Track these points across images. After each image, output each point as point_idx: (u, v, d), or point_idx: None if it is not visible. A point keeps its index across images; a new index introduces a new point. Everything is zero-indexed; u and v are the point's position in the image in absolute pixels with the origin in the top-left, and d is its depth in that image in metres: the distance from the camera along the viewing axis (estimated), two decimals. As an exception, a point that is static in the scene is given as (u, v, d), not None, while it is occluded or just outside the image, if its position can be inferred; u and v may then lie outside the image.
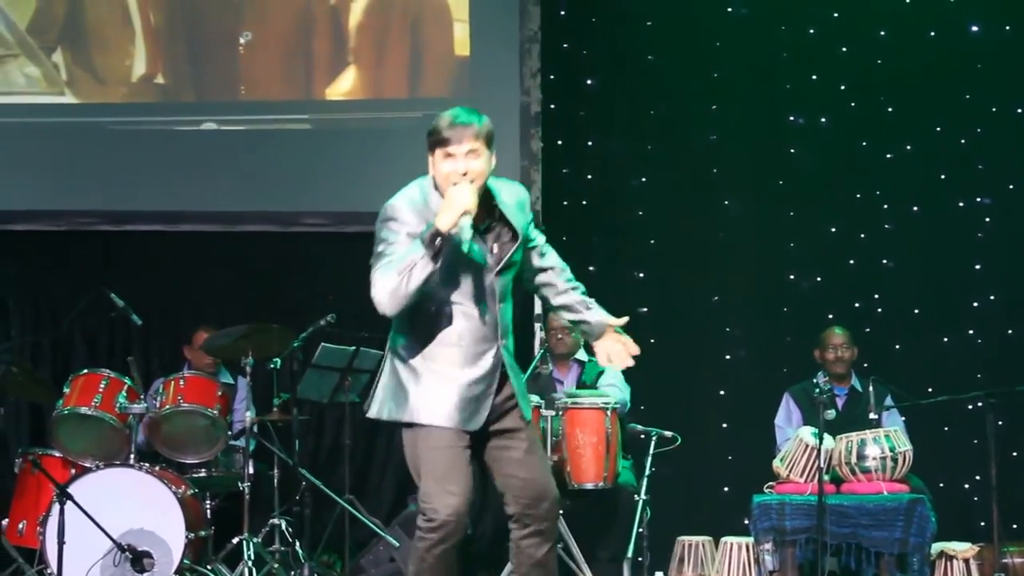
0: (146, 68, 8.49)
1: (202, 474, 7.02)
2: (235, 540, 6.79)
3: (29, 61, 8.45)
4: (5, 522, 6.80)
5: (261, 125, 8.44)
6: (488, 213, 4.57)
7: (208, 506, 6.90)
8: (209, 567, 6.69)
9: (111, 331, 8.12)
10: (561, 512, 6.50)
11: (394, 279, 4.42)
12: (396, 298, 4.44)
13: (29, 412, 8.08)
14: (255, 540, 6.72)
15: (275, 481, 6.94)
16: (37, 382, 7.19)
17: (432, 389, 4.53)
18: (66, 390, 6.89)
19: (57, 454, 6.87)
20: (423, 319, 4.55)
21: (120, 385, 6.87)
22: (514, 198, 4.65)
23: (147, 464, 6.67)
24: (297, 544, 6.73)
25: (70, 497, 6.13)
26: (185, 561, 6.45)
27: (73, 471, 6.71)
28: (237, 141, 8.39)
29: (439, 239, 4.39)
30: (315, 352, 7.16)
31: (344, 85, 8.52)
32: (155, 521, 6.38)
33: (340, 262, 8.00)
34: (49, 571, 6.43)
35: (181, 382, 6.98)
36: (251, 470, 6.81)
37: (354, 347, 7.22)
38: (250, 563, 6.59)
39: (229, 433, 6.98)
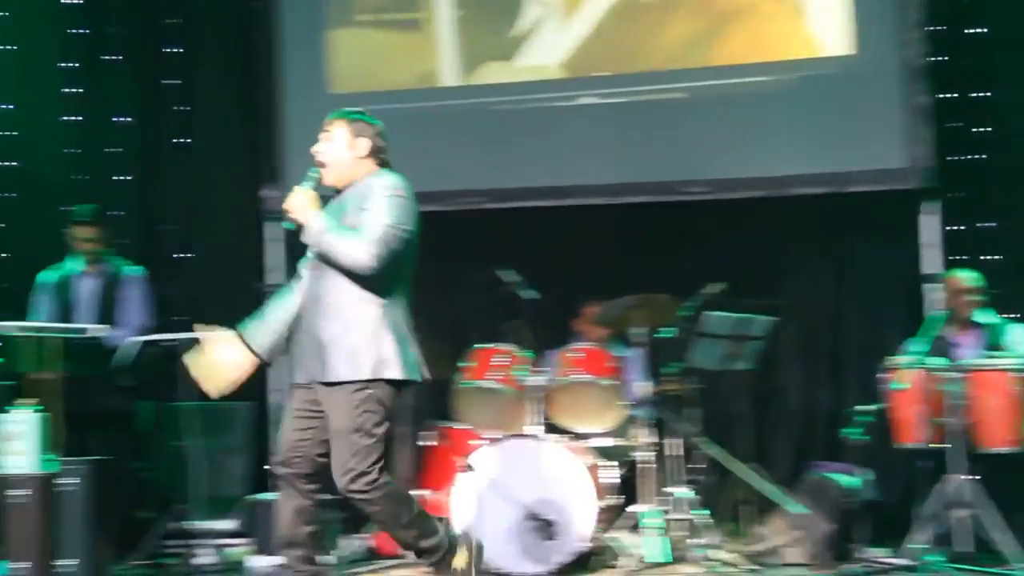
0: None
1: (602, 443, 7.11)
2: (633, 508, 6.86)
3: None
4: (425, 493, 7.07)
5: (639, 96, 8.46)
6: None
7: (613, 476, 6.98)
8: (612, 535, 6.78)
9: (504, 306, 8.34)
10: (978, 477, 6.33)
11: None
12: None
13: (434, 386, 8.37)
14: (655, 509, 6.76)
15: (672, 451, 6.97)
16: (440, 356, 7.42)
17: None
18: (467, 364, 7.13)
19: (463, 426, 7.12)
20: None
21: (517, 358, 7.06)
22: (364, 187, 5.26)
23: (552, 435, 6.81)
24: (698, 513, 6.74)
25: (476, 468, 6.32)
26: (597, 529, 6.54)
27: (479, 443, 6.92)
28: (615, 114, 8.46)
29: None
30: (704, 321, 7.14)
31: (727, 50, 8.42)
32: (563, 490, 6.45)
33: (726, 229, 7.96)
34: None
35: (574, 354, 7.10)
36: (651, 439, 6.86)
37: (741, 314, 7.17)
38: (657, 530, 6.64)
39: (627, 403, 7.05)
